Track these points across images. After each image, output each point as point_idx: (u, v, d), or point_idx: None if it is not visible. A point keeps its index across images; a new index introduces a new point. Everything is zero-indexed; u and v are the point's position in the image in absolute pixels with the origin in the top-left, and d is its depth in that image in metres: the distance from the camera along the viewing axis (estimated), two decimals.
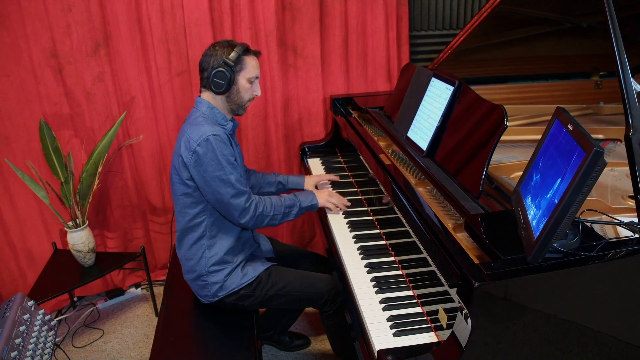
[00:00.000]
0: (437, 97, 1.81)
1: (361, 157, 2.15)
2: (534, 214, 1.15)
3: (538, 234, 1.08)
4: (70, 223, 2.37)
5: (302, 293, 1.87)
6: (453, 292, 1.24)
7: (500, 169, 1.74)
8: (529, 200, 1.21)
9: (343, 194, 2.07)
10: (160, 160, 2.62)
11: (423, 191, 1.62)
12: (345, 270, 1.67)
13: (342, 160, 2.49)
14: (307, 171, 2.44)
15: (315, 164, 2.49)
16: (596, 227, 1.29)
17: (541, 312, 1.15)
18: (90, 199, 2.38)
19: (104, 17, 2.31)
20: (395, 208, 1.70)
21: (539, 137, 1.29)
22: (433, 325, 1.38)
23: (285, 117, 2.67)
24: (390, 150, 1.98)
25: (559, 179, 1.08)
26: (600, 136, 2.04)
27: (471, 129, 1.59)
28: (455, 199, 1.44)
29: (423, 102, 1.89)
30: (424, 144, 1.78)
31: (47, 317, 1.89)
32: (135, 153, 2.58)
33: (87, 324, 2.61)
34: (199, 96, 1.80)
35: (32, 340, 1.72)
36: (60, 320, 2.58)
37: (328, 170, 2.40)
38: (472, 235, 1.27)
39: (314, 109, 2.71)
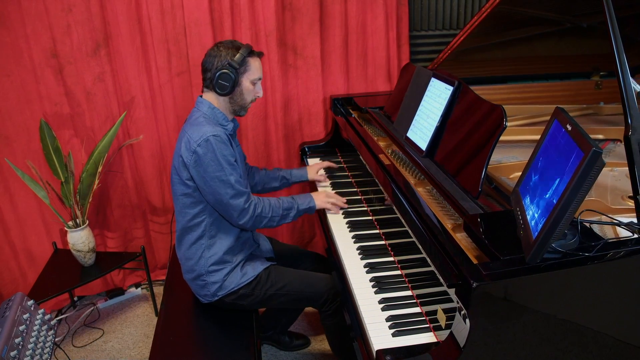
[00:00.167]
0: (436, 97, 1.81)
1: (361, 157, 2.15)
2: (532, 214, 1.15)
3: (537, 234, 1.08)
4: (70, 223, 2.37)
5: (301, 293, 1.87)
6: (452, 292, 1.24)
7: (499, 169, 1.74)
8: (527, 200, 1.21)
9: (342, 194, 2.07)
10: (160, 160, 2.63)
11: (422, 191, 1.62)
12: (345, 270, 1.67)
13: (342, 160, 2.49)
14: None
15: None
16: (595, 228, 1.28)
17: (540, 313, 1.15)
18: (90, 199, 2.38)
19: (104, 17, 2.31)
20: (395, 208, 1.70)
21: (538, 137, 1.29)
22: (432, 325, 1.38)
23: (285, 117, 2.67)
24: (389, 151, 1.98)
25: (558, 179, 1.08)
26: (601, 136, 2.03)
27: (470, 129, 1.59)
28: (455, 199, 1.44)
29: (423, 102, 1.89)
30: (423, 144, 1.77)
31: (47, 317, 1.89)
32: (135, 153, 2.59)
33: (87, 323, 2.61)
34: (200, 96, 1.80)
35: (31, 340, 1.73)
36: (60, 319, 2.58)
37: (328, 170, 2.40)
38: (471, 235, 1.27)
39: (314, 109, 2.71)
